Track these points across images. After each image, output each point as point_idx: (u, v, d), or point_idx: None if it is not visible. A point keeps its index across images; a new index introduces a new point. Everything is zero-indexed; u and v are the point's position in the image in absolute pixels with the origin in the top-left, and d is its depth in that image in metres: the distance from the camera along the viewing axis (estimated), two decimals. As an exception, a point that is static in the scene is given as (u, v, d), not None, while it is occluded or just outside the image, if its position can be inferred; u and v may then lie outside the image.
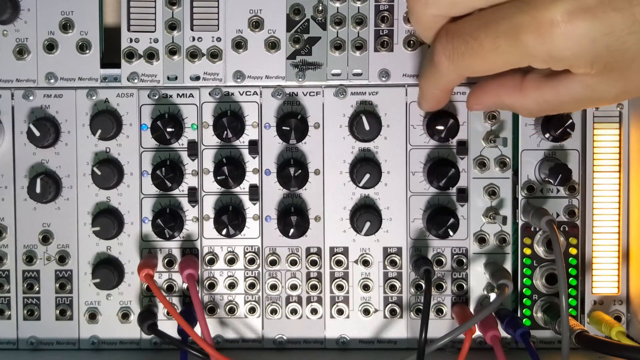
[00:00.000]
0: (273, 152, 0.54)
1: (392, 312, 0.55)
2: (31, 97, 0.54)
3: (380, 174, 0.53)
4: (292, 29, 0.54)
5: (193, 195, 0.54)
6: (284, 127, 0.52)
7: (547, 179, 0.52)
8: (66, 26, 0.53)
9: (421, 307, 0.54)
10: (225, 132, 0.52)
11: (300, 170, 0.52)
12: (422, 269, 0.51)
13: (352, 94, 0.54)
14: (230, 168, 0.52)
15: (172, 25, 0.53)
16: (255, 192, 0.54)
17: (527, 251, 0.54)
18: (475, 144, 0.54)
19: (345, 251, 0.54)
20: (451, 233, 0.52)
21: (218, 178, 0.53)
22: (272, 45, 0.53)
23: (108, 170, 0.53)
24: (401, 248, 0.54)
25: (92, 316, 0.55)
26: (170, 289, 0.55)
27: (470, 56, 0.40)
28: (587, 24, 0.36)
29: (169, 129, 0.52)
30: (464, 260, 0.54)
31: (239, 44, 0.54)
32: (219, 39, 0.54)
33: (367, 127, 0.52)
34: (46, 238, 0.54)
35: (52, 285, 0.54)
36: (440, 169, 0.52)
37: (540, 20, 0.36)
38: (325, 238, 0.54)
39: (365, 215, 0.52)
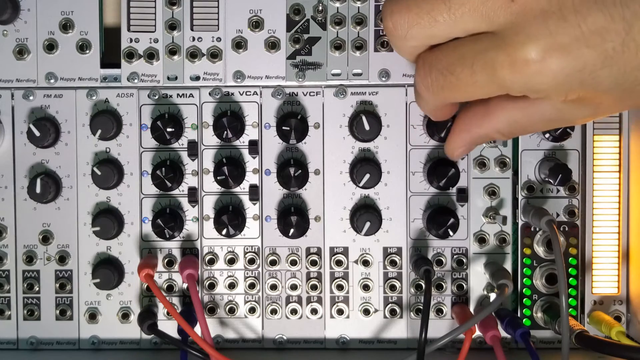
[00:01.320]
0: (273, 152, 0.54)
1: (392, 312, 0.55)
2: (31, 97, 0.54)
3: (380, 174, 0.53)
4: (292, 29, 0.54)
5: (193, 195, 0.54)
6: (284, 127, 0.52)
7: (547, 179, 0.52)
8: (66, 26, 0.53)
9: (421, 307, 0.54)
10: (225, 132, 0.52)
11: (300, 170, 0.52)
12: (422, 269, 0.51)
13: (352, 94, 0.54)
14: (230, 168, 0.52)
15: (172, 25, 0.53)
16: (255, 192, 0.54)
17: (527, 251, 0.54)
18: (475, 144, 0.54)
19: (345, 251, 0.54)
20: (451, 233, 0.52)
21: (218, 178, 0.53)
22: (272, 45, 0.53)
23: (108, 170, 0.53)
24: (401, 248, 0.54)
25: (92, 316, 0.55)
26: (170, 289, 0.55)
27: (449, 89, 0.41)
28: (561, 61, 0.36)
29: (169, 129, 0.52)
30: (464, 260, 0.54)
31: (239, 44, 0.54)
32: (219, 39, 0.54)
33: (367, 127, 0.52)
34: (46, 238, 0.54)
35: (52, 285, 0.54)
36: (440, 169, 0.52)
37: (514, 58, 0.37)
38: (325, 238, 0.54)
39: (365, 215, 0.52)
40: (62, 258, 0.54)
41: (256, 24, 0.53)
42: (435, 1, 0.39)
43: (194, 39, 0.54)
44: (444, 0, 0.39)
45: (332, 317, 0.55)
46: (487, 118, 0.44)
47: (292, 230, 0.52)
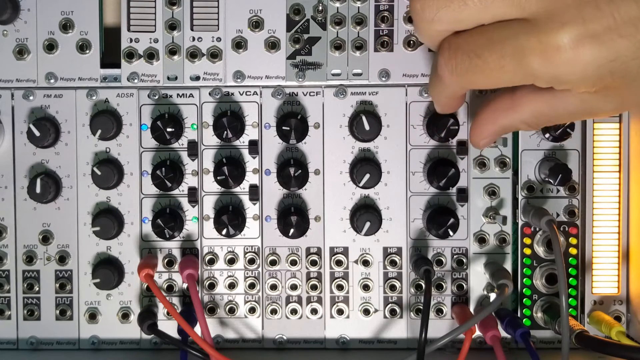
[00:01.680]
0: (273, 152, 0.54)
1: (392, 312, 0.55)
2: (31, 97, 0.54)
3: (380, 174, 0.53)
4: (292, 29, 0.54)
5: (193, 195, 0.54)
6: (284, 127, 0.52)
7: (547, 179, 0.52)
8: (66, 26, 0.53)
9: (421, 307, 0.54)
10: (225, 132, 0.52)
11: (300, 170, 0.52)
12: (422, 269, 0.51)
13: (352, 94, 0.54)
14: (230, 168, 0.52)
15: (172, 25, 0.53)
16: (255, 192, 0.54)
17: (527, 251, 0.54)
18: (475, 144, 0.54)
19: (345, 251, 0.54)
20: (451, 233, 0.52)
21: (218, 178, 0.53)
22: (272, 45, 0.53)
23: (108, 170, 0.53)
24: (401, 248, 0.54)
25: (92, 316, 0.55)
26: (170, 289, 0.55)
27: (473, 73, 0.40)
28: (594, 50, 0.36)
29: (169, 129, 0.52)
30: (464, 260, 0.54)
31: (239, 44, 0.54)
32: (219, 39, 0.54)
33: (367, 127, 0.52)
34: (46, 238, 0.54)
35: (52, 285, 0.54)
36: (440, 169, 0.52)
37: (546, 45, 0.36)
38: (325, 238, 0.54)
39: (365, 215, 0.52)
40: (62, 258, 0.54)
41: (256, 24, 0.53)
42: None
43: (194, 39, 0.54)
44: None
45: (332, 317, 0.55)
46: (513, 110, 0.43)
47: (292, 230, 0.52)
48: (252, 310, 0.55)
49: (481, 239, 0.54)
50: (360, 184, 0.52)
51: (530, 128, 0.45)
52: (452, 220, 0.52)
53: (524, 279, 0.54)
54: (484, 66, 0.39)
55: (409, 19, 0.53)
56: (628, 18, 0.35)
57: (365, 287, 0.54)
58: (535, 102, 0.42)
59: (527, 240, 0.54)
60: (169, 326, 0.53)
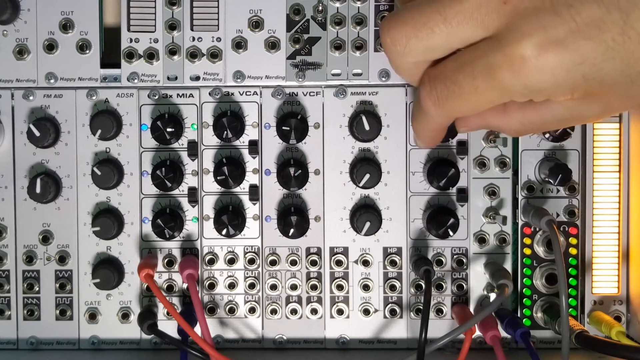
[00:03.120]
0: (273, 152, 0.54)
1: (392, 312, 0.55)
2: (31, 97, 0.54)
3: (380, 174, 0.53)
4: (292, 29, 0.54)
5: (193, 195, 0.54)
6: (284, 127, 0.52)
7: (547, 179, 0.52)
8: (66, 26, 0.53)
9: (421, 307, 0.54)
10: (225, 132, 0.52)
11: (300, 170, 0.52)
12: (422, 269, 0.51)
13: (352, 94, 0.54)
14: (230, 168, 0.52)
15: (172, 25, 0.53)
16: (255, 192, 0.54)
17: (527, 251, 0.54)
18: (475, 144, 0.54)
19: (345, 251, 0.54)
20: (451, 233, 0.52)
21: (218, 178, 0.53)
22: (272, 45, 0.53)
23: (108, 170, 0.53)
24: (401, 248, 0.54)
25: (92, 316, 0.55)
26: (170, 289, 0.55)
27: (453, 99, 0.40)
28: (558, 55, 0.36)
29: (169, 129, 0.52)
30: (464, 260, 0.54)
31: (239, 44, 0.54)
32: (219, 39, 0.54)
33: (367, 127, 0.52)
34: (46, 238, 0.54)
35: (52, 285, 0.54)
36: (440, 169, 0.52)
37: (511, 57, 0.36)
38: (325, 238, 0.54)
39: (365, 215, 0.52)
40: (62, 258, 0.54)
41: (256, 24, 0.53)
42: (430, 13, 0.39)
43: (194, 39, 0.54)
44: (439, 11, 0.38)
45: (332, 317, 0.55)
46: (503, 114, 0.43)
47: (292, 230, 0.52)
48: (252, 310, 0.55)
49: (481, 239, 0.54)
50: (360, 184, 0.53)
51: (515, 134, 0.45)
52: (452, 220, 0.52)
53: (524, 279, 0.54)
54: (460, 91, 0.39)
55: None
56: (590, 20, 0.35)
57: (365, 287, 0.54)
58: (525, 111, 0.42)
59: (527, 240, 0.54)
60: (169, 326, 0.53)
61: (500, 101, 0.40)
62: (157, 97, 0.54)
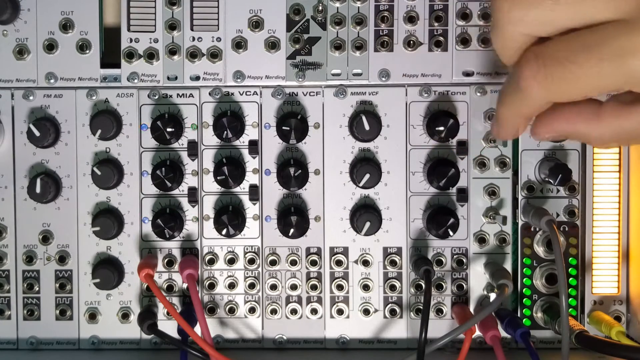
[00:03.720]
0: (273, 152, 0.54)
1: (392, 312, 0.55)
2: (31, 97, 0.54)
3: (380, 174, 0.53)
4: (292, 29, 0.54)
5: (193, 195, 0.54)
6: (284, 127, 0.52)
7: (547, 179, 0.52)
8: (66, 26, 0.53)
9: (421, 307, 0.54)
10: (225, 132, 0.52)
11: (300, 170, 0.52)
12: (422, 269, 0.51)
13: (352, 94, 0.54)
14: (230, 168, 0.52)
15: (172, 25, 0.53)
16: (255, 192, 0.54)
17: (527, 251, 0.54)
18: (475, 144, 0.54)
19: (345, 251, 0.54)
20: (451, 233, 0.52)
21: (218, 178, 0.53)
22: (272, 45, 0.53)
23: (108, 170, 0.53)
24: (401, 248, 0.54)
25: (92, 316, 0.55)
26: (170, 289, 0.55)
27: (567, 81, 0.37)
28: None
29: (169, 129, 0.52)
30: (464, 260, 0.54)
31: (239, 44, 0.54)
32: (219, 39, 0.54)
33: (367, 127, 0.52)
34: (46, 238, 0.54)
35: (52, 285, 0.54)
36: (440, 169, 0.52)
37: None
38: (325, 238, 0.54)
39: (365, 215, 0.52)
40: (62, 258, 0.54)
41: (256, 24, 0.53)
42: None
43: (194, 39, 0.54)
44: None
45: (332, 317, 0.55)
46: (596, 120, 0.40)
47: (292, 230, 0.52)
48: (252, 310, 0.55)
49: (481, 239, 0.54)
50: (360, 184, 0.52)
51: (601, 146, 0.42)
52: (452, 220, 0.52)
53: (524, 279, 0.54)
54: (579, 72, 0.37)
55: (408, 20, 0.53)
56: None
57: (365, 287, 0.54)
58: (622, 118, 0.39)
59: (527, 240, 0.54)
60: (169, 326, 0.53)
61: (618, 90, 0.37)
62: (157, 97, 0.54)
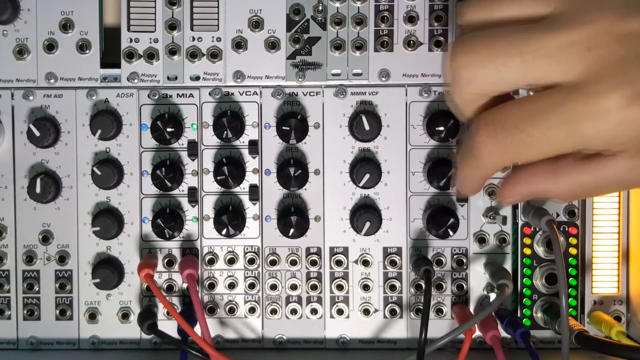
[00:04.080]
0: (273, 152, 0.54)
1: (392, 312, 0.55)
2: (31, 97, 0.54)
3: (380, 174, 0.53)
4: (292, 29, 0.54)
5: (193, 195, 0.54)
6: (284, 127, 0.52)
7: (547, 179, 0.52)
8: (66, 26, 0.53)
9: (421, 307, 0.54)
10: (225, 132, 0.52)
11: (300, 170, 0.52)
12: (422, 269, 0.51)
13: (352, 94, 0.54)
14: (230, 168, 0.52)
15: (172, 25, 0.53)
16: (255, 192, 0.54)
17: (527, 251, 0.54)
18: (475, 144, 0.54)
19: (345, 251, 0.54)
20: (451, 233, 0.52)
21: (218, 178, 0.53)
22: (272, 45, 0.53)
23: (108, 170, 0.53)
24: (401, 248, 0.54)
25: (92, 316, 0.55)
26: (170, 289, 0.55)
27: (517, 148, 0.38)
28: None
29: (169, 129, 0.52)
30: (464, 260, 0.54)
31: (239, 44, 0.54)
32: (219, 39, 0.54)
33: (367, 127, 0.52)
34: (46, 238, 0.54)
35: (52, 285, 0.54)
36: (440, 169, 0.52)
37: (596, 109, 0.35)
38: (325, 238, 0.54)
39: (365, 215, 0.52)
40: (62, 258, 0.54)
41: (256, 24, 0.53)
42: (506, 45, 0.37)
43: (194, 39, 0.54)
44: (515, 45, 0.37)
45: (332, 317, 0.55)
46: (554, 178, 0.40)
47: (292, 230, 0.52)
48: (252, 310, 0.55)
49: (481, 239, 0.54)
50: (360, 184, 0.53)
51: (564, 200, 0.42)
52: (452, 220, 0.52)
53: (524, 279, 0.54)
54: (529, 140, 0.37)
55: (408, 20, 0.53)
56: None
57: (365, 287, 0.54)
58: (579, 173, 0.40)
59: (527, 240, 0.54)
60: (169, 326, 0.53)
61: (571, 150, 0.38)
62: (157, 97, 0.54)
